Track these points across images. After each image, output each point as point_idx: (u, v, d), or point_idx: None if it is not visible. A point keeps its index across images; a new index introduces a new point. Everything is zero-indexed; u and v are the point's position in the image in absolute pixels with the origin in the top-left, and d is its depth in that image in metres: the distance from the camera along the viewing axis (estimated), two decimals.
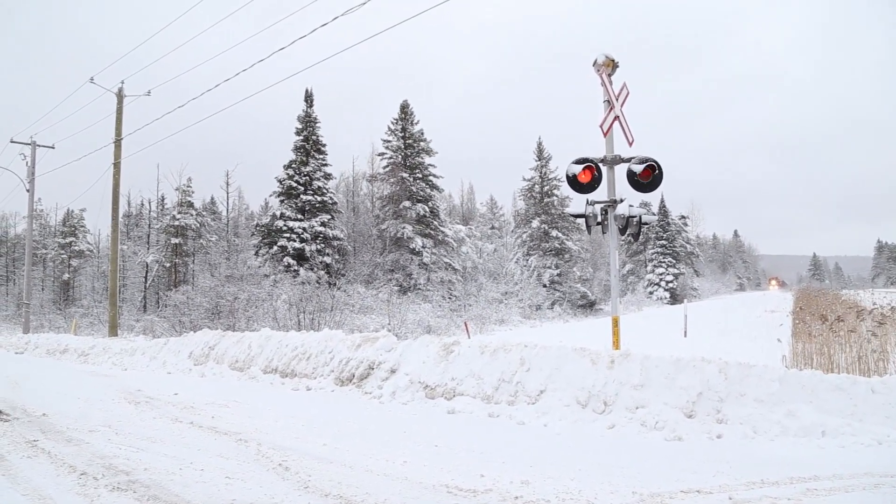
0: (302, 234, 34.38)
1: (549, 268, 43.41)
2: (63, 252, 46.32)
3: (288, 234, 34.18)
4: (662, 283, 57.81)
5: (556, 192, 45.66)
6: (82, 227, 48.05)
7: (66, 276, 46.07)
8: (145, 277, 40.53)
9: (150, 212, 49.06)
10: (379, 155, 41.58)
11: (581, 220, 8.99)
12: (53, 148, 26.45)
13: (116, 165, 20.50)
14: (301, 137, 36.64)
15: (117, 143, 20.53)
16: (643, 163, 8.42)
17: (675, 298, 54.67)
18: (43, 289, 46.37)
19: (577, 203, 49.60)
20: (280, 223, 34.52)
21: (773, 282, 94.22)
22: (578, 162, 8.56)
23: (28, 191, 26.47)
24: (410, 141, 39.82)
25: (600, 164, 8.73)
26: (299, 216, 35.10)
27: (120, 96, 20.70)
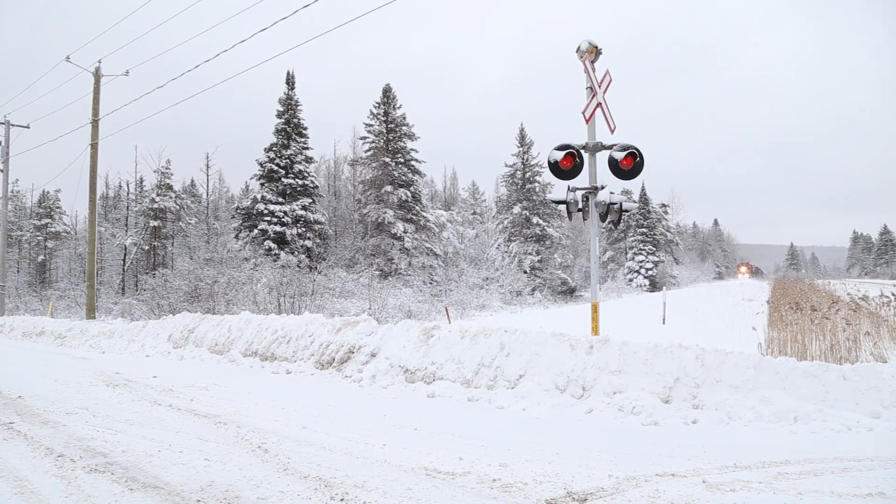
0: (283, 217, 34.16)
1: (530, 254, 43.55)
2: (39, 234, 45.58)
3: (269, 218, 33.95)
4: (642, 271, 58.26)
5: (538, 178, 45.65)
6: (58, 208, 47.27)
7: (41, 257, 45.38)
8: (123, 260, 40.03)
9: (128, 194, 48.41)
10: (361, 139, 41.28)
11: (562, 207, 9.03)
12: (28, 128, 25.95)
13: (94, 146, 20.16)
14: (282, 120, 36.26)
15: (94, 123, 20.18)
16: (625, 150, 8.45)
17: (654, 286, 55.17)
18: (18, 270, 45.62)
19: (558, 189, 49.75)
20: (261, 206, 34.24)
21: (744, 268, 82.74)
22: (560, 148, 8.58)
23: (2, 171, 25.97)
24: (393, 125, 39.60)
25: (582, 151, 8.75)
26: (280, 199, 34.84)
27: (97, 76, 20.32)
